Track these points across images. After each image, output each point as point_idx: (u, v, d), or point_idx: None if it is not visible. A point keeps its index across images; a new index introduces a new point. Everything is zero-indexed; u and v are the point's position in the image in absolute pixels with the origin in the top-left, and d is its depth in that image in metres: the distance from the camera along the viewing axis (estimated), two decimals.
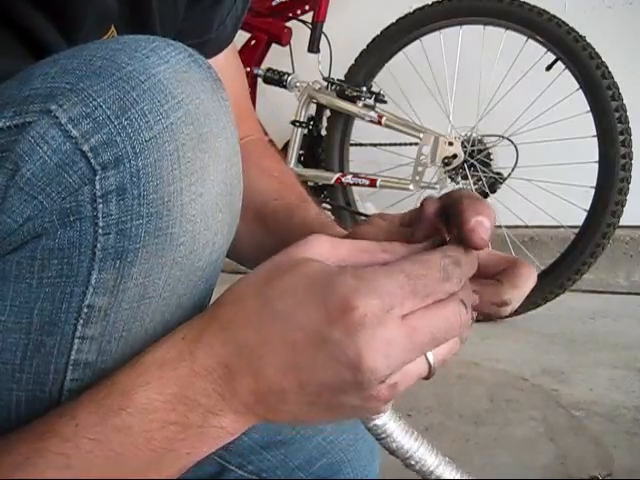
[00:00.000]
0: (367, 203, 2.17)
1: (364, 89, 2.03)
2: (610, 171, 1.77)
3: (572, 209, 1.88)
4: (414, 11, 2.00)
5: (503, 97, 1.98)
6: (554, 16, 1.82)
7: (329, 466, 0.66)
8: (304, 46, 2.12)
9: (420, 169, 1.97)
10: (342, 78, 2.09)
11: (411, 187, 1.99)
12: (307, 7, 2.17)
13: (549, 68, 1.87)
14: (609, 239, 1.81)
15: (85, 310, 0.41)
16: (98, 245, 0.40)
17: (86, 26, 0.52)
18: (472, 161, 1.95)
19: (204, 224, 0.43)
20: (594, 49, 1.78)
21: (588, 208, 1.83)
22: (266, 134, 2.24)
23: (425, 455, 0.47)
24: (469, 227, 0.39)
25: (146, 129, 0.39)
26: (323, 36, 2.12)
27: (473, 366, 1.62)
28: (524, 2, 1.84)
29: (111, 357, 0.43)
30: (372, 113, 2.01)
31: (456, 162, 1.93)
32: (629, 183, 1.78)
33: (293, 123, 2.13)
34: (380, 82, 2.08)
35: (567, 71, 1.83)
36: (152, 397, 0.38)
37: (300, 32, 2.16)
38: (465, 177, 1.97)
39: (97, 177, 0.39)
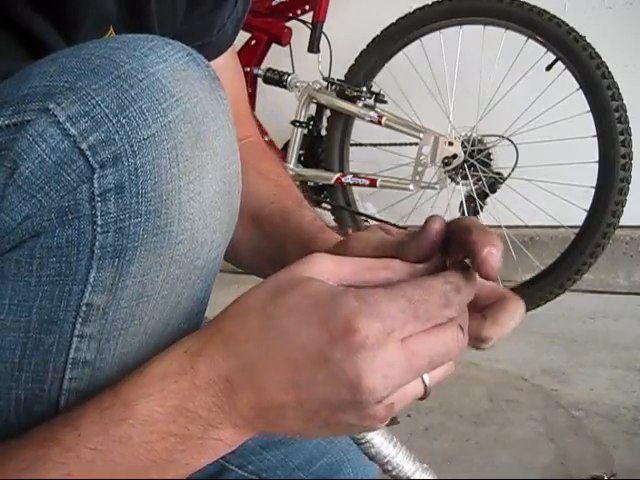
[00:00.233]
0: (367, 203, 2.17)
1: (364, 89, 2.03)
2: (610, 171, 1.77)
3: (572, 209, 1.88)
4: (414, 11, 2.00)
5: (503, 97, 1.98)
6: (554, 16, 1.82)
7: (329, 466, 0.66)
8: (304, 46, 2.12)
9: (420, 169, 1.97)
10: (342, 78, 2.09)
11: (411, 187, 1.99)
12: (307, 7, 2.17)
13: (549, 68, 1.87)
14: (609, 239, 1.81)
15: (84, 308, 0.41)
16: (96, 243, 0.40)
17: (85, 28, 0.52)
18: (472, 161, 1.95)
19: (203, 222, 0.43)
20: (594, 49, 1.77)
21: (588, 208, 1.83)
22: (266, 134, 2.24)
23: (403, 462, 0.48)
24: (481, 258, 0.40)
25: (144, 127, 0.39)
26: (323, 36, 2.12)
27: (473, 366, 1.62)
28: (524, 2, 1.84)
29: (110, 355, 0.43)
30: (372, 113, 2.01)
31: (456, 162, 1.93)
32: (629, 183, 1.78)
33: (293, 123, 2.13)
34: (380, 82, 2.08)
35: (567, 71, 1.83)
36: (154, 409, 0.39)
37: (300, 32, 2.16)
38: (465, 177, 1.97)
39: (95, 175, 0.39)
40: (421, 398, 0.41)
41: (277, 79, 2.09)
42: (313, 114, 2.17)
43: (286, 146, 2.19)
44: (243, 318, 0.41)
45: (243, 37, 2.16)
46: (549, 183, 1.95)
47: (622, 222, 1.81)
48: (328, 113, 2.13)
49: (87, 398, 0.41)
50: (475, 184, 1.98)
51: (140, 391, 0.39)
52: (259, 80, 2.13)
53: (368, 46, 2.05)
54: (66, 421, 0.40)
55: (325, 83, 2.10)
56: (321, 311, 0.38)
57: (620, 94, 1.76)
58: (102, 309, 0.41)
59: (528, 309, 1.91)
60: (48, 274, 0.40)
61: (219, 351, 0.40)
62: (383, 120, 1.99)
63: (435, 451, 1.21)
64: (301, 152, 2.18)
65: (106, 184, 0.39)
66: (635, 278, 2.22)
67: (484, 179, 1.95)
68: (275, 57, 2.22)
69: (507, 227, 2.09)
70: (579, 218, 1.85)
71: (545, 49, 1.86)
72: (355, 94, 2.03)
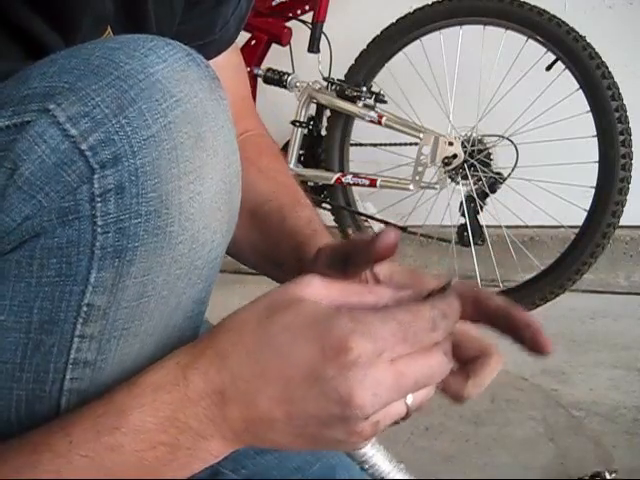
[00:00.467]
0: (367, 203, 2.17)
1: (364, 89, 2.03)
2: (610, 171, 1.77)
3: (572, 209, 1.88)
4: (414, 11, 2.00)
5: (503, 97, 1.98)
6: (554, 16, 1.82)
7: (324, 470, 0.66)
8: (304, 46, 2.12)
9: (420, 169, 1.97)
10: (342, 78, 2.09)
11: (411, 187, 1.99)
12: (307, 7, 2.17)
13: (549, 68, 1.87)
14: (609, 239, 1.81)
15: (84, 309, 0.41)
16: (97, 244, 0.40)
17: (83, 28, 0.52)
18: (472, 161, 1.95)
19: (203, 223, 0.43)
20: (594, 49, 1.77)
21: (588, 208, 1.83)
22: None
23: (379, 461, 0.50)
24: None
25: (144, 128, 0.39)
26: (323, 36, 2.12)
27: None
28: (524, 2, 1.84)
29: (111, 356, 0.43)
30: (372, 113, 2.01)
31: (456, 162, 1.93)
32: (629, 183, 1.78)
33: (293, 123, 2.13)
34: (380, 82, 2.08)
35: (567, 71, 1.83)
36: (146, 419, 0.39)
37: (300, 32, 2.16)
38: (465, 177, 1.97)
39: (95, 176, 0.39)
40: (402, 419, 0.43)
41: (277, 79, 2.09)
42: (313, 114, 2.17)
43: (286, 146, 2.19)
44: (238, 333, 0.41)
45: (243, 37, 2.16)
46: (549, 183, 1.95)
47: (622, 222, 1.81)
48: (328, 113, 2.13)
49: (83, 404, 0.41)
50: (475, 184, 1.98)
51: (134, 401, 0.40)
52: (259, 80, 2.13)
53: (368, 46, 2.05)
54: (59, 427, 0.40)
55: (325, 83, 2.10)
56: (316, 330, 0.39)
57: (620, 94, 1.76)
58: (103, 309, 0.41)
59: (528, 309, 1.90)
60: (48, 275, 0.40)
61: (213, 364, 0.40)
62: (383, 120, 1.99)
63: (435, 451, 1.21)
64: (301, 152, 2.18)
65: (106, 184, 0.39)
66: (635, 278, 2.22)
67: (484, 179, 1.95)
68: (275, 57, 2.22)
69: (507, 227, 2.09)
70: (579, 218, 1.85)
71: (545, 49, 1.86)
72: (355, 94, 2.03)
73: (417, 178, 1.97)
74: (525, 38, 1.88)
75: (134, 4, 0.56)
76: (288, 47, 2.17)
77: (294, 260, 0.59)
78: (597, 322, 1.94)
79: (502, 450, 1.21)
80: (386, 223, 2.10)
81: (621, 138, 1.75)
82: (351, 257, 0.47)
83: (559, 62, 1.84)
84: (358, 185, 2.05)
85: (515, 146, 1.91)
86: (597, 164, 1.80)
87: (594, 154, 1.79)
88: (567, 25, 1.81)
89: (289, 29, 2.17)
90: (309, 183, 2.16)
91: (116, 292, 0.41)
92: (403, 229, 2.08)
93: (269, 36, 2.17)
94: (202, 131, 0.42)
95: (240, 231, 0.56)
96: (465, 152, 1.94)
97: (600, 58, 1.77)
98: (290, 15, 2.20)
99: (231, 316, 0.43)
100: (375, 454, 0.49)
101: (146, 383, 0.41)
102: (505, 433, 1.28)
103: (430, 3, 1.98)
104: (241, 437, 0.41)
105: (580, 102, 1.80)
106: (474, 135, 1.96)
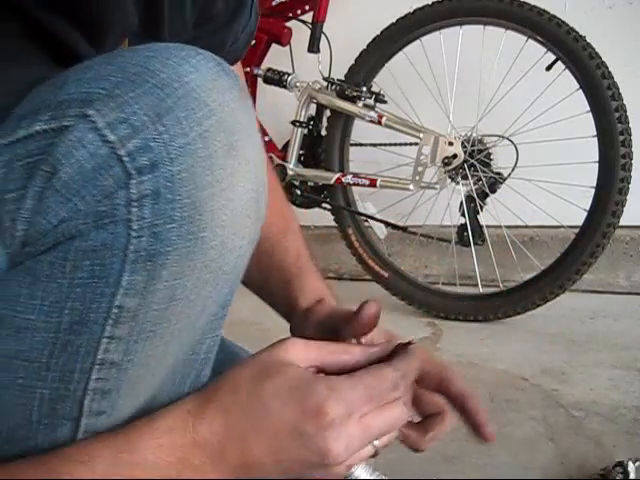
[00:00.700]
0: (367, 203, 2.17)
1: (364, 89, 2.03)
2: (610, 171, 1.77)
3: (572, 209, 1.88)
4: (414, 11, 2.00)
5: (503, 97, 1.98)
6: (554, 16, 1.82)
7: None
8: (304, 46, 2.12)
9: (420, 169, 1.97)
10: (342, 78, 2.09)
11: (411, 187, 1.99)
12: (307, 7, 2.17)
13: (549, 68, 1.87)
14: (609, 239, 1.81)
15: (115, 311, 0.42)
16: (130, 247, 0.41)
17: (111, 39, 0.54)
18: (472, 161, 1.95)
19: (233, 229, 0.44)
20: (594, 49, 1.77)
21: (588, 208, 1.83)
22: (266, 134, 2.24)
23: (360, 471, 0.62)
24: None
25: (181, 135, 0.41)
26: (323, 36, 2.12)
27: (473, 366, 1.62)
28: (524, 2, 1.84)
29: (137, 357, 0.44)
30: (372, 113, 2.01)
31: (456, 162, 1.93)
32: (629, 183, 1.78)
33: (293, 123, 2.13)
34: (380, 82, 2.08)
35: (567, 71, 1.82)
36: (161, 457, 0.46)
37: (300, 32, 2.16)
38: (465, 177, 1.97)
39: (132, 181, 0.40)
40: (372, 456, 0.52)
41: (277, 79, 2.09)
42: (313, 114, 2.17)
43: (286, 146, 2.19)
44: (238, 394, 0.49)
45: None
46: (549, 183, 1.95)
47: (622, 222, 1.81)
48: (328, 113, 2.13)
49: (98, 437, 0.46)
50: (475, 184, 1.98)
51: (152, 441, 0.46)
52: (259, 80, 2.13)
53: (368, 46, 2.05)
54: (80, 458, 0.44)
55: (325, 83, 2.10)
56: (298, 395, 0.48)
57: (620, 94, 1.76)
58: (133, 312, 0.42)
59: (528, 309, 1.91)
60: (81, 276, 0.41)
61: (216, 418, 0.48)
62: (383, 120, 1.99)
63: (435, 451, 1.21)
64: (301, 152, 2.18)
65: (143, 190, 0.40)
66: (635, 278, 2.22)
67: (484, 179, 1.95)
68: (275, 57, 2.22)
69: (507, 227, 2.09)
70: (579, 218, 1.85)
71: (545, 49, 1.85)
72: (355, 94, 2.03)
73: (417, 178, 1.97)
74: (525, 38, 1.87)
75: (151, 20, 0.58)
76: (288, 47, 2.17)
77: (283, 298, 0.69)
78: (597, 322, 1.94)
79: (502, 450, 1.21)
80: (386, 223, 2.10)
81: (621, 138, 1.75)
82: (339, 330, 0.57)
83: (559, 62, 1.84)
84: (358, 185, 2.05)
85: (515, 146, 1.91)
86: (597, 164, 1.80)
87: (594, 154, 1.79)
88: (567, 25, 1.80)
89: (289, 29, 2.17)
90: (309, 183, 2.16)
91: (147, 295, 0.42)
92: (403, 229, 2.08)
93: (269, 36, 2.17)
94: (234, 140, 0.43)
95: None
96: (465, 152, 1.94)
97: (600, 58, 1.77)
98: (290, 15, 2.20)
99: (231, 374, 0.50)
100: (358, 468, 0.61)
101: (162, 428, 0.47)
102: (505, 433, 1.27)
103: (430, 3, 1.97)
104: (234, 473, 0.48)
105: (580, 102, 1.80)
106: (474, 135, 1.96)
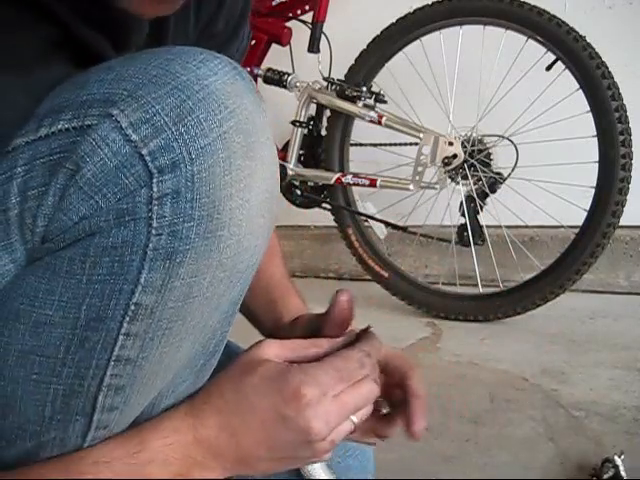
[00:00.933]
0: (367, 203, 2.17)
1: (364, 89, 2.03)
2: (610, 171, 1.77)
3: (572, 209, 1.88)
4: (414, 11, 2.00)
5: (503, 97, 1.98)
6: (554, 16, 1.82)
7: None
8: (304, 46, 2.12)
9: (420, 169, 1.97)
10: (342, 78, 2.09)
11: (411, 187, 1.99)
12: (307, 7, 2.17)
13: (549, 68, 1.87)
14: (609, 239, 1.81)
15: (132, 307, 0.43)
16: (150, 245, 0.42)
17: (134, 44, 0.56)
18: (472, 161, 1.95)
19: (249, 228, 0.45)
20: (594, 49, 1.77)
21: (588, 208, 1.83)
22: None
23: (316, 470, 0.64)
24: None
25: (202, 136, 0.42)
26: (323, 36, 2.12)
27: (473, 366, 1.62)
28: (524, 2, 1.84)
29: (152, 354, 0.45)
30: (372, 113, 2.01)
31: (456, 162, 1.93)
32: (629, 183, 1.78)
33: (293, 123, 2.13)
34: (380, 82, 2.08)
35: (567, 71, 1.82)
36: (170, 454, 0.50)
37: (300, 32, 2.16)
38: (465, 177, 1.97)
39: (154, 180, 0.41)
40: (352, 432, 0.56)
41: (277, 79, 2.09)
42: (313, 114, 2.17)
43: (286, 146, 2.19)
44: (223, 393, 0.53)
45: None
46: (549, 183, 1.95)
47: (622, 222, 1.81)
48: (328, 113, 2.13)
49: (113, 439, 0.49)
50: (475, 184, 1.98)
51: (162, 441, 0.50)
52: (259, 80, 2.13)
53: (368, 46, 2.05)
54: (101, 459, 0.47)
55: (325, 83, 2.10)
56: (276, 384, 0.52)
57: (620, 94, 1.75)
58: (150, 309, 0.43)
59: (528, 309, 1.91)
60: (100, 273, 0.42)
61: (211, 418, 0.52)
62: (383, 120, 1.99)
63: (435, 451, 1.21)
64: (301, 152, 2.18)
65: (164, 189, 0.41)
66: (635, 278, 2.22)
67: (484, 179, 1.95)
68: (275, 57, 2.22)
69: (507, 227, 2.09)
70: (579, 218, 1.85)
71: (545, 49, 1.85)
72: (355, 94, 2.03)
73: (417, 178, 1.97)
74: (525, 38, 1.87)
75: (156, 37, 0.60)
76: (288, 47, 2.17)
77: (269, 316, 0.74)
78: (597, 322, 1.94)
79: (502, 450, 1.21)
80: (386, 223, 2.10)
81: (621, 138, 1.75)
82: (321, 330, 0.60)
83: (559, 62, 1.84)
84: (358, 185, 2.05)
85: (515, 146, 1.91)
86: (597, 164, 1.80)
87: (594, 154, 1.79)
88: (567, 25, 1.80)
89: (289, 29, 2.17)
90: (309, 183, 2.16)
91: (164, 292, 0.43)
92: (403, 229, 2.08)
93: (269, 36, 2.17)
94: (251, 141, 0.44)
95: None
96: (465, 152, 1.94)
97: (600, 58, 1.77)
98: (290, 15, 2.20)
99: (218, 378, 0.55)
100: (317, 468, 0.64)
101: (169, 428, 0.51)
102: (505, 433, 1.28)
103: (430, 3, 1.98)
104: (235, 467, 0.53)
105: (580, 102, 1.80)
106: (474, 135, 1.96)
